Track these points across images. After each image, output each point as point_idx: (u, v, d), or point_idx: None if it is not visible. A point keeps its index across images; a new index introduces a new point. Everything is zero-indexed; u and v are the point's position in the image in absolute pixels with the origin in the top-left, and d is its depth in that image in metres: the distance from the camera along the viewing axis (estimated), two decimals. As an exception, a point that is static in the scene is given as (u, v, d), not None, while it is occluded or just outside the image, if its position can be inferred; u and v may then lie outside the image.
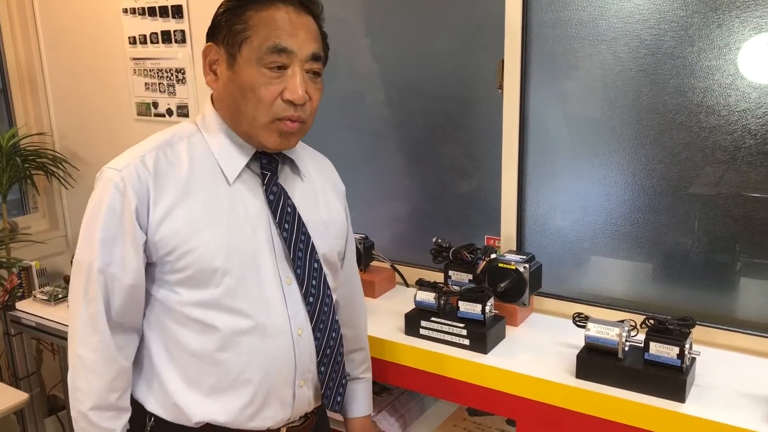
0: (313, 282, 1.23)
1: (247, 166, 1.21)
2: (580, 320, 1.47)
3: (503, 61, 1.77)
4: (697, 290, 1.63)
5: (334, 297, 1.30)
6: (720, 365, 1.46)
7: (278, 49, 1.13)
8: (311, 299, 1.23)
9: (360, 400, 1.49)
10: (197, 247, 1.14)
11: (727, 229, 1.57)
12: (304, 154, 1.34)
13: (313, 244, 1.25)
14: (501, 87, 1.79)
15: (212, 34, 1.20)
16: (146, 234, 1.14)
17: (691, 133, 1.57)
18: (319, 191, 1.33)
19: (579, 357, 1.41)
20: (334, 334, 1.27)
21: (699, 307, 1.63)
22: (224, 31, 1.17)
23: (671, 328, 1.35)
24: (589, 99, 1.71)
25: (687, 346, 1.32)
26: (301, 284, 1.22)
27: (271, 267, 1.20)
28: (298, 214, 1.24)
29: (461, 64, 1.90)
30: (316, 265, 1.24)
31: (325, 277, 1.26)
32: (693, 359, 1.36)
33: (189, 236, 1.14)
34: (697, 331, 1.53)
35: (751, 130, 1.51)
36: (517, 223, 1.86)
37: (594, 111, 1.71)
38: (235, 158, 1.20)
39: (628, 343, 1.39)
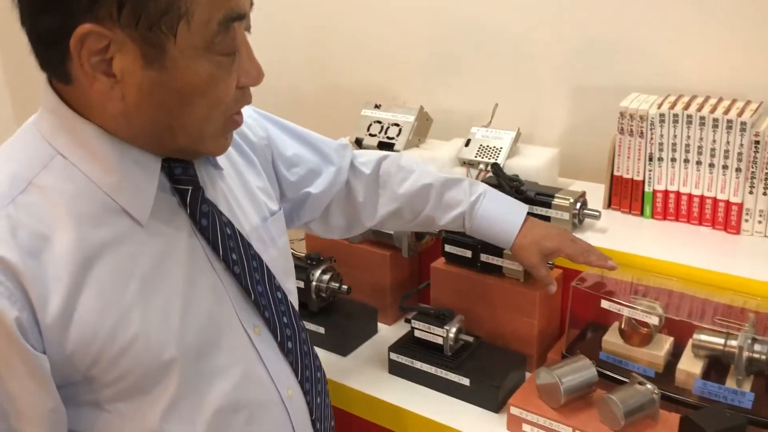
0: (285, 320, 0.91)
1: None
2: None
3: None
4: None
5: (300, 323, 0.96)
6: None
7: (234, 17, 0.72)
8: (290, 344, 0.90)
9: (493, 219, 1.15)
10: (134, 340, 0.74)
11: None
12: None
13: (267, 267, 0.89)
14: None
15: (87, 8, 0.66)
16: (46, 352, 0.70)
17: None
18: (240, 172, 0.95)
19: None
20: (319, 374, 0.97)
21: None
22: (129, 6, 0.67)
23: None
24: None
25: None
26: (273, 330, 0.89)
27: (232, 323, 0.84)
28: (238, 233, 0.86)
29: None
30: (279, 295, 0.91)
31: (291, 306, 0.93)
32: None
33: (115, 328, 0.73)
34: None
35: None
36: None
37: None
38: (139, 185, 0.76)
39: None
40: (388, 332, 1.46)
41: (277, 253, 0.96)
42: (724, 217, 1.34)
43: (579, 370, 1.13)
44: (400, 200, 1.17)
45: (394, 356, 1.31)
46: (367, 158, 1.19)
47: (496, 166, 1.44)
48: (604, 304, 1.19)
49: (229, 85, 0.75)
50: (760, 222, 1.31)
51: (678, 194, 1.38)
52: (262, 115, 1.07)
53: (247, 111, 1.02)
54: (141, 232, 0.76)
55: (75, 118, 0.73)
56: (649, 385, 1.09)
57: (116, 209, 0.75)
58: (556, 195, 1.36)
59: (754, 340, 1.10)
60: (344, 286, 1.40)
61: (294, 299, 0.97)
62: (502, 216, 1.16)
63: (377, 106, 1.72)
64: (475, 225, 1.16)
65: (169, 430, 0.78)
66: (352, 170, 1.18)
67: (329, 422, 1.02)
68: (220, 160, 0.89)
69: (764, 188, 1.29)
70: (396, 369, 1.32)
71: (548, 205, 1.36)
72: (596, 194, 1.46)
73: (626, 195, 1.43)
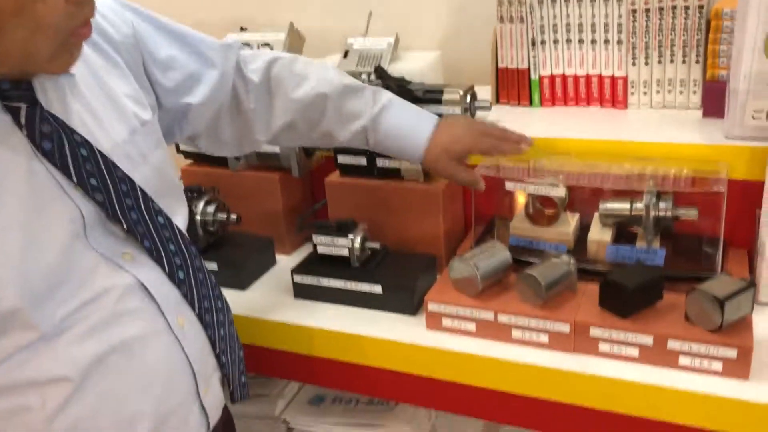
0: (172, 248, 0.81)
1: None
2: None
3: None
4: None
5: (181, 225, 0.86)
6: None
7: None
8: (181, 274, 0.81)
9: (399, 132, 1.04)
10: None
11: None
12: None
13: (140, 189, 0.79)
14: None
15: None
16: None
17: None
18: (101, 78, 0.82)
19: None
20: (220, 304, 0.88)
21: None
22: None
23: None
24: None
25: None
26: (158, 260, 0.79)
27: (92, 253, 0.73)
28: (98, 153, 0.75)
29: None
30: (161, 220, 0.81)
31: (177, 231, 0.83)
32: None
33: None
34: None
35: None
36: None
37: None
38: None
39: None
40: (288, 261, 1.36)
41: (151, 172, 0.84)
42: (611, 94, 1.34)
43: (493, 255, 1.09)
44: (293, 111, 1.04)
45: (298, 278, 1.22)
46: (258, 65, 1.04)
47: (379, 69, 1.36)
48: (509, 185, 1.15)
49: (50, 4, 0.64)
50: (645, 93, 1.32)
51: (564, 77, 1.36)
52: (126, 6, 0.91)
53: (107, 2, 0.88)
54: None
55: None
56: (564, 257, 1.06)
57: None
58: (445, 90, 1.31)
59: (658, 198, 1.10)
60: (233, 216, 1.29)
61: (181, 222, 0.87)
62: (410, 128, 1.04)
63: (243, 29, 1.59)
64: (380, 140, 1.04)
65: (29, 380, 0.69)
66: (240, 76, 1.04)
67: (237, 353, 0.94)
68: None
69: (646, 58, 1.29)
70: (302, 292, 1.22)
71: (438, 102, 1.30)
72: (484, 94, 1.42)
73: (513, 86, 1.40)
